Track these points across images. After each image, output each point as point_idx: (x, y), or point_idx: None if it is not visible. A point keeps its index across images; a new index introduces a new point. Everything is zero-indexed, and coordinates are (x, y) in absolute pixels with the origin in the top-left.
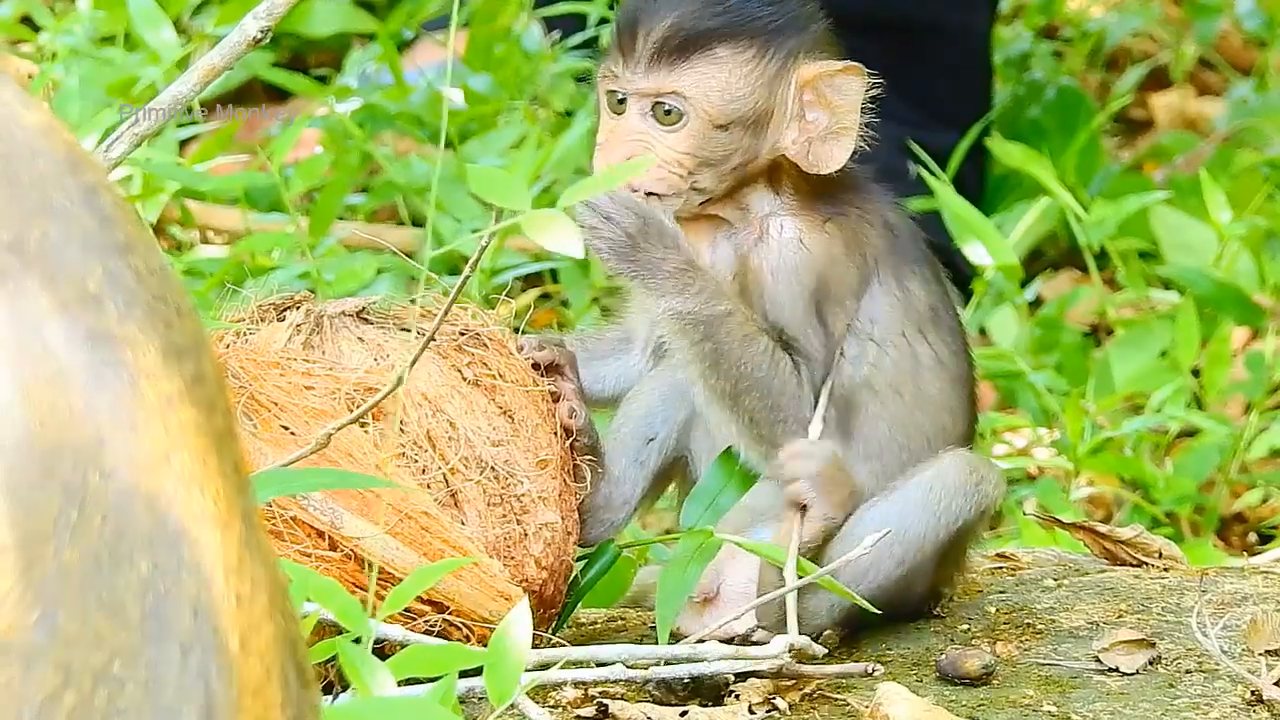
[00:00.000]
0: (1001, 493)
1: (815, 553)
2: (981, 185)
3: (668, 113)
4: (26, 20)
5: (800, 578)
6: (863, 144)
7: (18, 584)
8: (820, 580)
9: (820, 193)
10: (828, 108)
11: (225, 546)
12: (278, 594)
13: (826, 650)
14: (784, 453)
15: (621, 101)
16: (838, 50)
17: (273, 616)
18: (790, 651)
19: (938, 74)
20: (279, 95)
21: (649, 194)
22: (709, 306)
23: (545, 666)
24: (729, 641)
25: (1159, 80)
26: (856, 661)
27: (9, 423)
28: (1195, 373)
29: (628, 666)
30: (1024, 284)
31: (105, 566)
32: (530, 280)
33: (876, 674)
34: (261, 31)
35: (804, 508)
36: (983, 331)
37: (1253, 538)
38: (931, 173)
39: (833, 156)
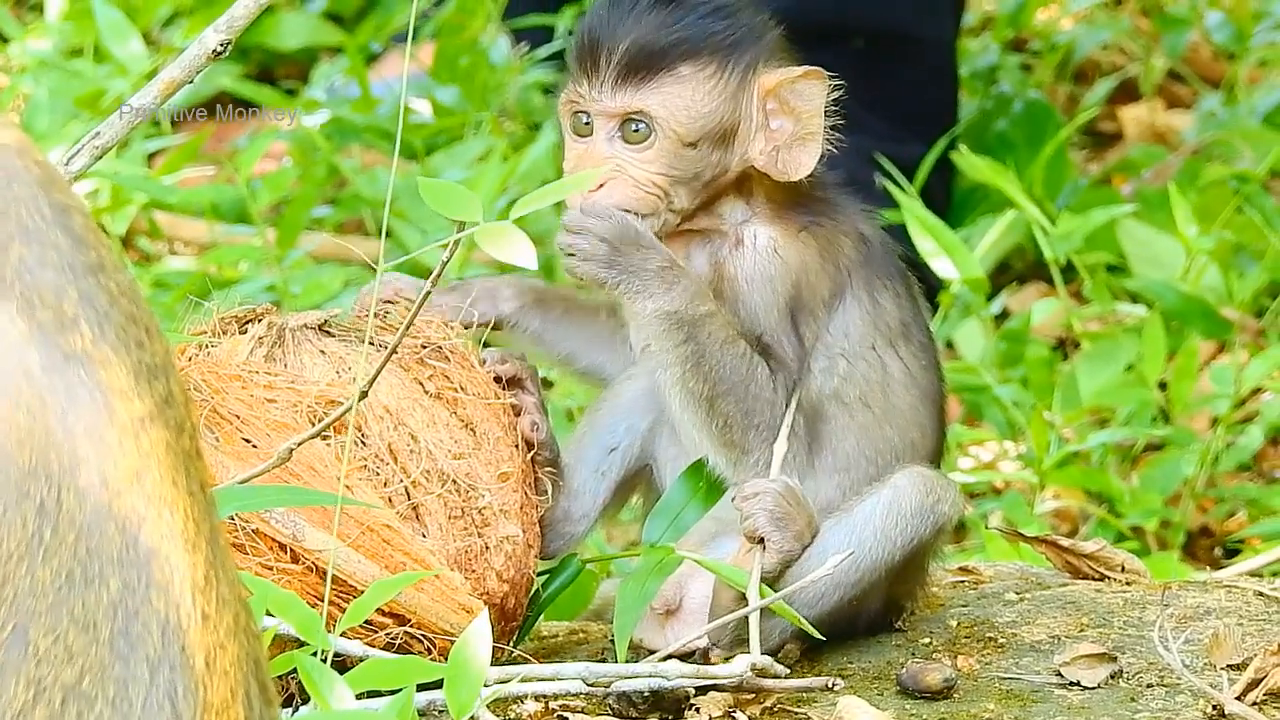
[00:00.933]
0: (959, 509)
1: (774, 579)
2: (948, 197)
3: (636, 131)
4: None
5: (762, 599)
6: (830, 148)
7: None
8: (774, 606)
9: (794, 202)
10: (791, 114)
11: (193, 565)
12: (242, 612)
13: (788, 670)
14: (738, 494)
15: (588, 123)
16: (795, 57)
17: (237, 635)
18: (752, 670)
19: (904, 85)
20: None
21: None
22: (693, 306)
23: (507, 680)
24: (688, 656)
25: (1128, 93)
26: (818, 675)
27: None
28: (1162, 386)
29: (588, 684)
30: (990, 297)
31: (78, 583)
32: None
33: (837, 688)
34: (221, 45)
35: (762, 541)
36: (949, 344)
37: (1219, 552)
38: (899, 186)
39: (801, 162)
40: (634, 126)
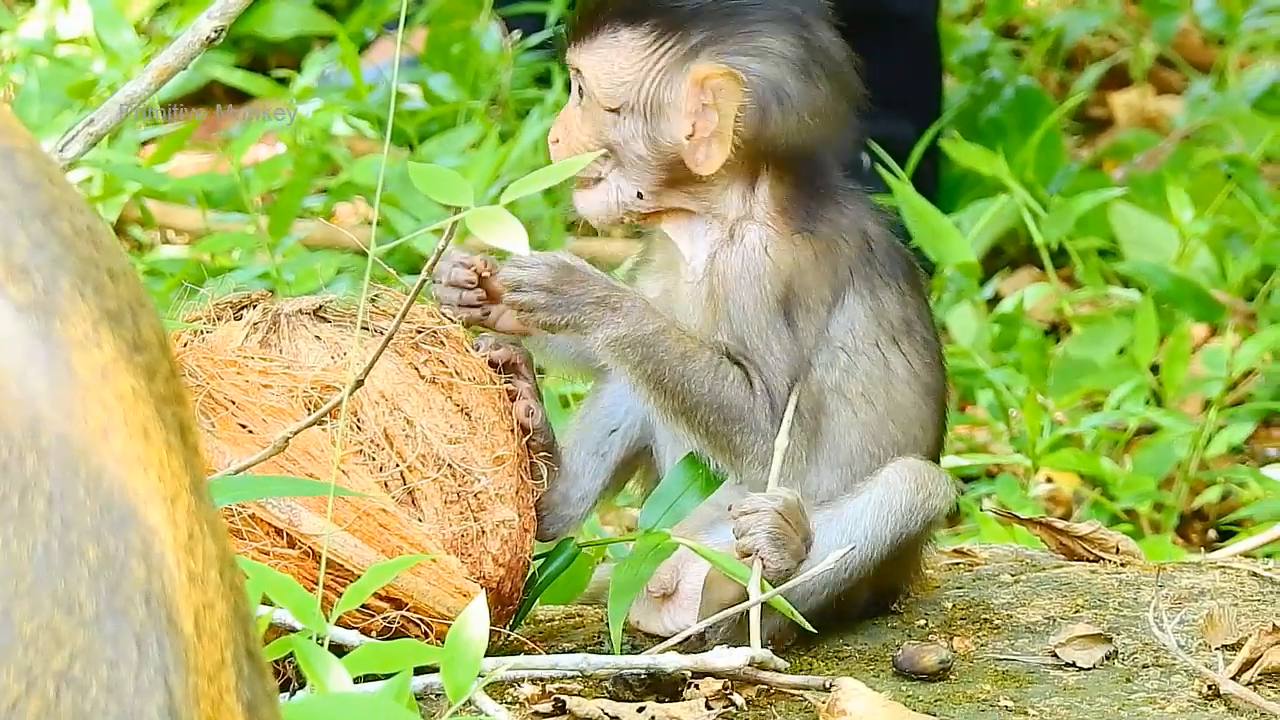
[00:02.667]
0: (949, 500)
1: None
2: (936, 180)
3: (578, 89)
4: None
5: (762, 592)
6: (732, 154)
7: None
8: (774, 603)
9: (797, 198)
10: (717, 110)
11: (175, 523)
12: (227, 568)
13: (787, 665)
14: (737, 508)
15: None
16: (778, 50)
17: (225, 593)
18: (752, 663)
19: (887, 63)
20: (240, 98)
21: (583, 187)
22: (640, 327)
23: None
24: (683, 642)
25: (1118, 79)
26: (814, 657)
27: None
28: (1154, 369)
29: (584, 675)
30: (983, 282)
31: (56, 558)
32: None
33: (832, 689)
34: (215, 31)
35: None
36: (942, 329)
37: (1212, 534)
38: (889, 169)
39: (706, 160)
40: (576, 84)
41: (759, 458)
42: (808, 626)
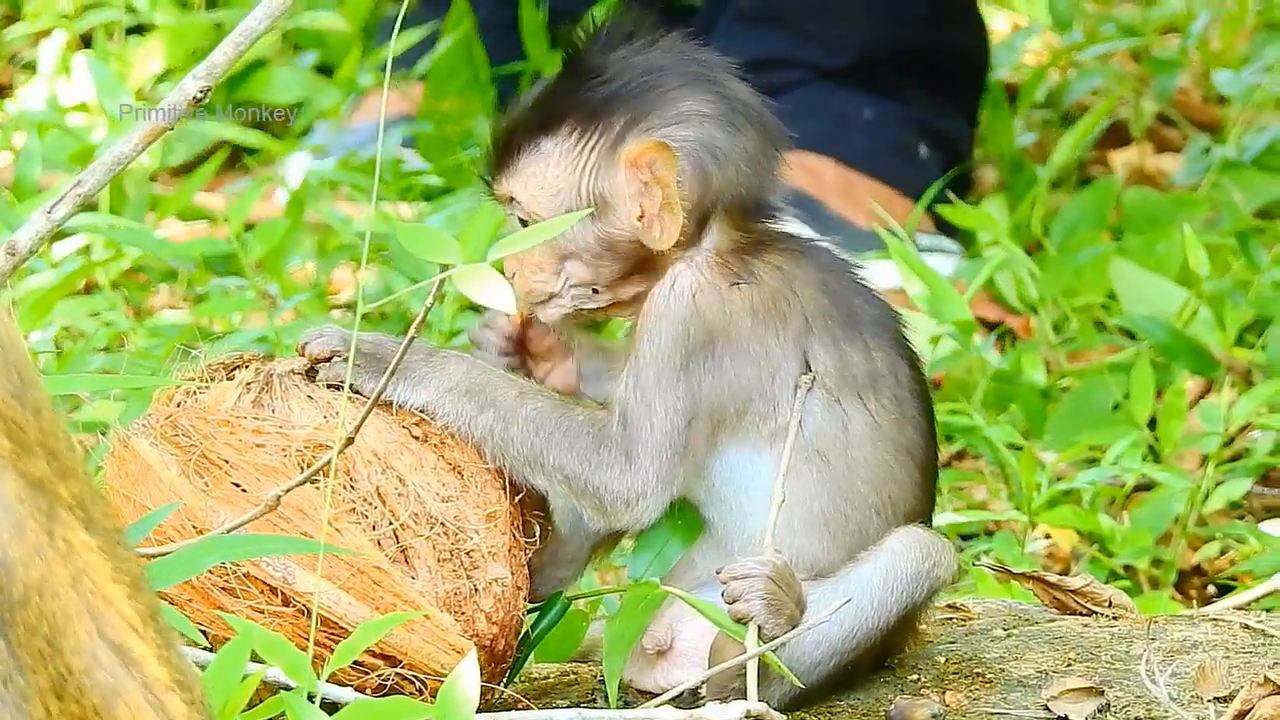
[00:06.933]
0: (953, 570)
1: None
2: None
3: (518, 219)
4: None
5: (759, 646)
6: (683, 224)
7: None
8: (763, 657)
9: (739, 251)
10: (656, 183)
11: None
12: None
13: (785, 718)
14: (727, 571)
15: None
16: (698, 110)
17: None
18: (747, 717)
19: (944, 70)
20: (243, 156)
21: (540, 303)
22: (472, 376)
23: None
24: (678, 697)
25: (1118, 137)
26: (806, 712)
27: None
28: (1151, 424)
29: None
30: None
31: None
32: None
33: None
34: (201, 91)
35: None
36: (935, 386)
37: (1211, 590)
38: (891, 231)
39: (665, 234)
40: (512, 211)
41: (621, 497)
42: (797, 683)
